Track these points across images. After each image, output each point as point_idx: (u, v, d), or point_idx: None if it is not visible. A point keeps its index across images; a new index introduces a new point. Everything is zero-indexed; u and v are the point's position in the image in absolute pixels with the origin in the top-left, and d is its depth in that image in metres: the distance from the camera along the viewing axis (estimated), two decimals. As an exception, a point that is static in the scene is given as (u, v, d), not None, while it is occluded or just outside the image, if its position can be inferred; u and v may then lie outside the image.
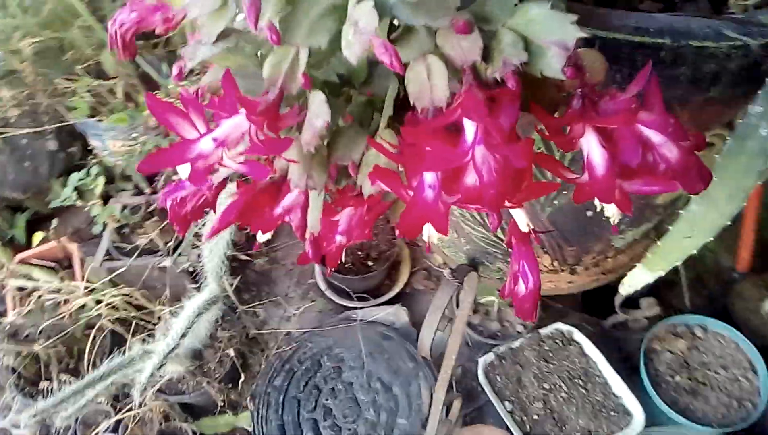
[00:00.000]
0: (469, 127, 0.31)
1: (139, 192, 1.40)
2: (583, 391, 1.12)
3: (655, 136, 0.32)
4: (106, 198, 1.36)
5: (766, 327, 1.16)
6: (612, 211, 0.36)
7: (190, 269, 1.23)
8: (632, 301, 1.22)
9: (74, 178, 1.27)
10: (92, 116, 1.39)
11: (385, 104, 0.36)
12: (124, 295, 1.20)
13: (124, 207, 1.33)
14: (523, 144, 0.30)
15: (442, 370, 0.88)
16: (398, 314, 1.29)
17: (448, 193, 0.32)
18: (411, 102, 0.34)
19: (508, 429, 1.08)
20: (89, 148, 1.50)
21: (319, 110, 0.32)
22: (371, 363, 1.22)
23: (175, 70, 0.39)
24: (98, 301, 1.15)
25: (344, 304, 1.32)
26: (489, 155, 0.30)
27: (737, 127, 0.46)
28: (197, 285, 1.26)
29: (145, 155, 1.34)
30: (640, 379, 1.12)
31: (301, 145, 0.33)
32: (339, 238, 0.41)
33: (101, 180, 1.27)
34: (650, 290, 1.20)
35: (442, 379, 0.90)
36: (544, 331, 1.19)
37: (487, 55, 0.32)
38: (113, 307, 1.15)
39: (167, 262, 1.24)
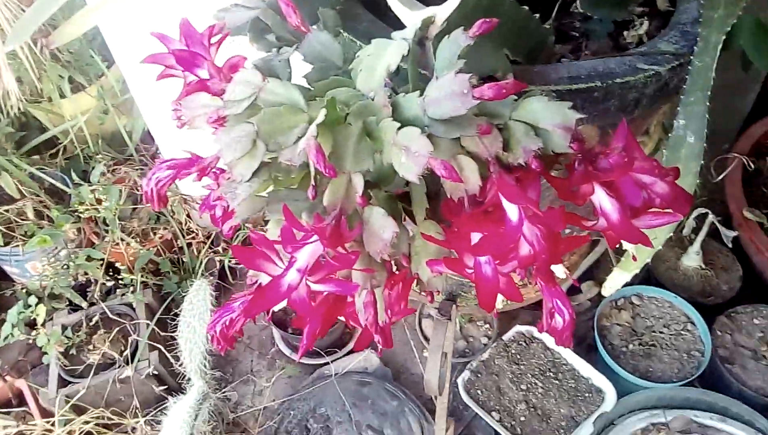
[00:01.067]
0: (511, 209, 0.37)
1: (75, 308, 1.35)
2: (556, 381, 1.21)
3: (646, 178, 0.39)
4: (32, 324, 1.30)
5: (689, 280, 1.32)
6: (630, 247, 0.44)
7: (155, 372, 1.21)
8: (573, 288, 1.34)
9: (13, 313, 1.21)
10: (6, 244, 1.33)
11: (417, 199, 0.41)
12: (92, 419, 1.16)
13: (65, 327, 1.29)
14: (557, 211, 0.37)
15: (439, 400, 0.93)
16: (369, 358, 1.33)
17: (502, 264, 0.38)
18: (448, 194, 0.39)
19: (501, 437, 1.16)
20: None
21: (383, 223, 0.37)
22: (357, 413, 1.25)
23: (219, 212, 0.42)
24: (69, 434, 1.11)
25: (313, 363, 1.34)
26: (533, 227, 0.37)
27: (669, 139, 0.56)
28: (166, 387, 1.23)
29: (77, 268, 1.30)
30: (600, 356, 1.23)
31: (366, 255, 0.38)
32: (386, 317, 0.45)
33: (42, 308, 1.22)
34: (586, 274, 1.32)
35: (440, 409, 0.95)
36: (506, 336, 1.27)
37: (504, 146, 0.38)
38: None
39: (128, 372, 1.21)
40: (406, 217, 0.45)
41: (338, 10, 0.58)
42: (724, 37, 0.57)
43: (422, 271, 0.40)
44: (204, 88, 0.44)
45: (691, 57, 0.57)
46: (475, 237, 0.38)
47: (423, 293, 0.45)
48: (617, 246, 0.41)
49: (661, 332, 1.24)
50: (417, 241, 0.41)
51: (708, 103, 0.56)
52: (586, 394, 1.20)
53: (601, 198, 0.39)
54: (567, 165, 0.41)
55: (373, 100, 0.45)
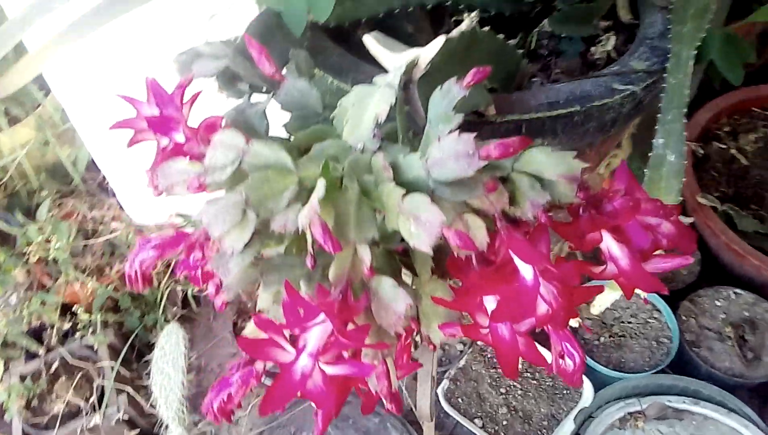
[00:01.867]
0: (525, 268, 0.36)
1: (32, 355, 1.28)
2: (534, 382, 1.22)
3: (652, 220, 0.39)
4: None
5: (651, 269, 1.34)
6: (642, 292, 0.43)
7: (125, 417, 1.16)
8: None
9: (-33, 372, 1.13)
10: (-51, 294, 1.25)
11: (421, 258, 0.40)
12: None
13: (23, 377, 1.22)
14: (571, 265, 0.36)
15: (426, 424, 0.93)
16: (345, 376, 1.31)
17: (517, 323, 0.37)
18: (455, 253, 0.38)
19: (485, 443, 1.16)
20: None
21: (394, 295, 0.35)
22: (339, 434, 1.23)
23: (211, 289, 0.40)
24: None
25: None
26: (548, 284, 0.36)
27: (650, 160, 0.56)
28: (138, 431, 1.19)
29: (30, 314, 1.23)
30: (574, 351, 1.24)
31: (377, 328, 0.36)
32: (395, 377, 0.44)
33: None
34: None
35: (428, 427, 0.94)
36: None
37: (510, 200, 0.37)
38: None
39: (96, 419, 1.15)
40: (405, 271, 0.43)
41: (306, 46, 0.56)
42: (695, 52, 0.57)
43: (434, 334, 0.39)
44: (181, 152, 0.41)
45: (665, 74, 0.57)
46: (487, 299, 0.37)
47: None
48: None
49: (629, 322, 1.27)
50: (424, 302, 0.40)
51: (685, 121, 0.56)
52: (564, 391, 1.21)
53: (609, 244, 0.39)
54: (569, 210, 0.40)
55: (362, 152, 0.43)
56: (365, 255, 0.35)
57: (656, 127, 0.56)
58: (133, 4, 0.62)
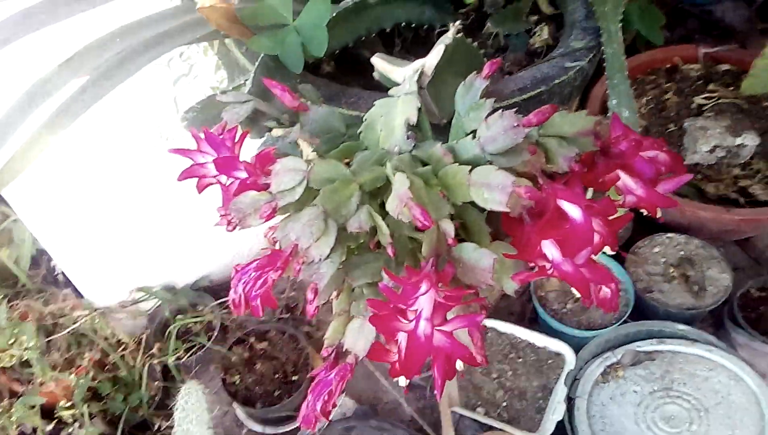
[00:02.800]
0: (573, 209, 0.43)
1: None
2: (520, 360, 1.31)
3: (650, 153, 0.48)
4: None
5: (592, 234, 1.47)
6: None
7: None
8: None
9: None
10: None
11: (478, 227, 0.46)
12: None
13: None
14: (606, 200, 0.44)
15: (444, 415, 0.98)
16: (343, 404, 1.34)
17: (574, 257, 0.44)
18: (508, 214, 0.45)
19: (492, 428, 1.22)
20: None
21: (478, 255, 0.42)
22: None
23: (310, 295, 0.44)
24: None
25: (288, 429, 1.32)
26: (595, 218, 0.43)
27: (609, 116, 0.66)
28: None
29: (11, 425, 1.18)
30: (546, 323, 1.34)
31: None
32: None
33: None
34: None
35: (447, 417, 1.00)
36: (462, 336, 1.35)
37: (546, 159, 0.44)
38: None
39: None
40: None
41: (299, 81, 0.62)
42: (621, 25, 0.68)
43: (509, 284, 0.45)
44: (252, 186, 0.46)
45: (602, 47, 0.68)
46: (546, 245, 0.44)
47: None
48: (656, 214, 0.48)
49: (587, 285, 1.38)
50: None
51: (629, 81, 0.66)
52: (549, 361, 1.30)
53: (624, 180, 0.47)
54: (583, 161, 0.48)
55: (400, 153, 0.49)
56: (448, 228, 0.41)
57: (607, 91, 0.66)
58: (118, 79, 0.65)
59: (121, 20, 0.64)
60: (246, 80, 0.64)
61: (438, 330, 0.40)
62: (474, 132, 0.46)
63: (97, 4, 0.54)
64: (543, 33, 0.74)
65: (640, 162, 0.47)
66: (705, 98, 1.43)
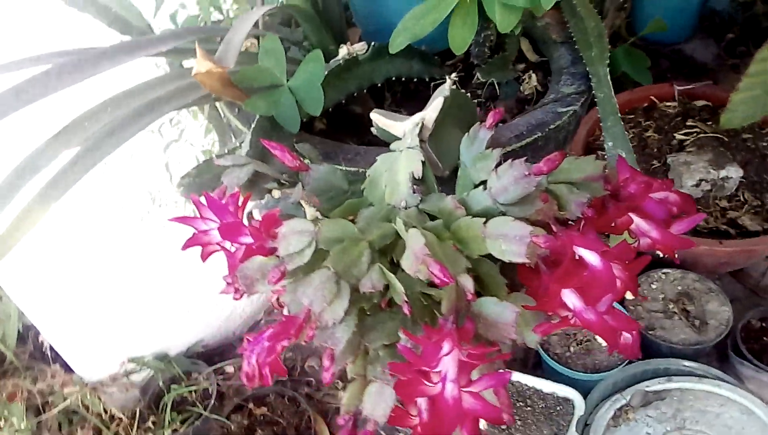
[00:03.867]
0: (590, 256, 0.42)
1: None
2: (528, 408, 1.28)
3: (660, 195, 0.47)
4: None
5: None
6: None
7: None
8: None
9: None
10: None
11: (494, 279, 0.45)
12: None
13: None
14: (622, 244, 0.43)
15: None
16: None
17: (599, 302, 0.43)
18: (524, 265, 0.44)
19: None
20: None
21: (499, 309, 0.40)
22: None
23: (327, 362, 0.42)
24: None
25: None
26: (614, 264, 0.42)
27: (607, 159, 0.66)
28: None
29: None
30: (550, 368, 1.32)
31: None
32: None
33: None
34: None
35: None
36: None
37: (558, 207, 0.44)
38: None
39: None
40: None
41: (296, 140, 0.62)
42: (608, 69, 0.69)
43: (531, 337, 0.44)
44: (259, 251, 0.44)
45: (592, 91, 0.68)
46: (565, 293, 0.43)
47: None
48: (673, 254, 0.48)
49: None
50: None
51: (622, 123, 0.67)
52: (558, 408, 1.27)
53: (638, 223, 0.46)
54: (593, 205, 0.47)
55: (406, 208, 0.48)
56: (467, 283, 0.40)
57: (603, 134, 0.66)
58: (109, 149, 0.64)
59: (112, 89, 0.63)
60: (241, 142, 0.63)
61: (466, 391, 0.38)
62: (483, 183, 0.45)
63: (88, 76, 0.53)
64: (531, 80, 0.75)
65: (651, 204, 0.47)
66: (685, 134, 1.45)
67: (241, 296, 0.45)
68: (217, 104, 0.75)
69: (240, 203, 0.47)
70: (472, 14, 0.64)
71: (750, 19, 1.75)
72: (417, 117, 0.51)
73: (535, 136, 0.64)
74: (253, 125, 0.57)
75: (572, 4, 0.73)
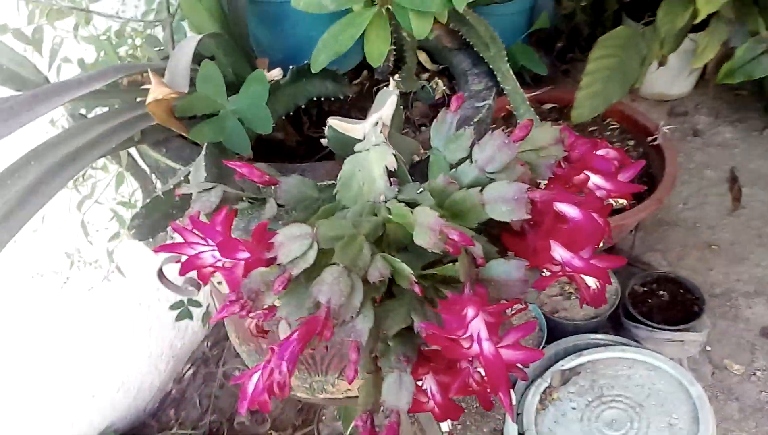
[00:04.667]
0: (568, 209, 0.46)
1: None
2: (465, 410, 1.31)
3: (602, 151, 0.53)
4: None
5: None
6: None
7: None
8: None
9: None
10: None
11: (487, 252, 0.48)
12: None
13: None
14: (591, 196, 0.48)
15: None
16: None
17: (580, 250, 0.47)
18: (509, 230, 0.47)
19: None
20: None
21: (508, 268, 0.43)
22: None
23: (353, 354, 0.42)
24: None
25: None
26: (588, 212, 0.47)
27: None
28: None
29: None
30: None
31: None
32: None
33: None
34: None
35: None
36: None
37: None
38: None
39: None
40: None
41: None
42: (509, 64, 0.76)
43: (531, 296, 0.47)
44: (258, 264, 0.43)
45: (500, 85, 0.75)
46: (554, 246, 0.47)
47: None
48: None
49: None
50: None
51: (532, 108, 0.73)
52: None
53: (593, 178, 0.52)
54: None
55: (386, 201, 0.50)
56: (476, 249, 0.42)
57: (517, 121, 0.73)
58: (34, 209, 0.59)
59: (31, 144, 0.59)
60: (177, 182, 0.61)
61: (501, 346, 0.40)
62: (461, 161, 0.48)
63: (25, 123, 0.50)
64: (439, 86, 0.80)
65: (598, 160, 0.53)
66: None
67: (248, 313, 0.44)
68: (134, 150, 0.72)
69: (224, 220, 0.46)
70: (385, 27, 0.68)
71: (573, 29, 1.98)
72: (374, 117, 0.53)
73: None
74: (203, 153, 0.56)
75: (460, 15, 0.79)
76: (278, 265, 0.44)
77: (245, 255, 0.44)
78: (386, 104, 0.53)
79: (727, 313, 1.56)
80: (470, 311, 0.41)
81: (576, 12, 1.91)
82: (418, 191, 0.50)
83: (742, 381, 1.44)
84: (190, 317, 1.38)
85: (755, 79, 1.73)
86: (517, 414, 1.34)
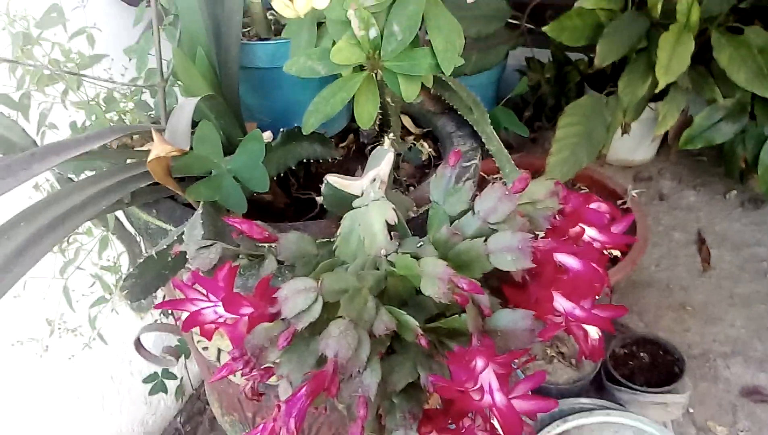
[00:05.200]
0: (568, 260, 0.47)
1: None
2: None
3: (594, 205, 0.55)
4: None
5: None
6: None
7: None
8: None
9: None
10: None
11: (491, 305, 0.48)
12: None
13: None
14: (587, 245, 0.49)
15: None
16: None
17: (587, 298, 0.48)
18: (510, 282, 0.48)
19: None
20: None
21: (514, 317, 0.43)
22: None
23: (362, 410, 0.41)
24: None
25: None
26: (588, 262, 0.48)
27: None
28: None
29: None
30: None
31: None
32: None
33: None
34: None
35: None
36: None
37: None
38: None
39: None
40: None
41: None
42: (491, 127, 0.78)
43: (535, 348, 0.47)
44: (261, 319, 0.43)
45: (484, 146, 0.77)
46: (556, 297, 0.47)
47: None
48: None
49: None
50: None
51: (517, 169, 0.75)
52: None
53: (588, 231, 0.53)
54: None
55: (387, 256, 0.50)
56: (483, 299, 0.42)
57: (504, 180, 0.74)
58: (20, 271, 0.58)
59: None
60: (169, 244, 0.60)
61: (513, 398, 0.40)
62: (461, 214, 0.48)
63: (22, 181, 0.49)
64: (425, 147, 0.82)
65: (591, 213, 0.54)
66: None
67: (252, 370, 0.43)
68: (121, 214, 0.72)
69: (226, 276, 0.45)
70: (374, 90, 0.70)
71: (539, 99, 2.06)
72: (372, 173, 0.54)
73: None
74: (200, 211, 0.55)
75: (443, 81, 0.82)
76: (282, 319, 0.43)
77: (249, 310, 0.44)
78: (383, 161, 0.54)
79: (706, 374, 1.56)
80: (479, 362, 0.41)
81: (541, 83, 2.00)
82: (418, 245, 0.50)
83: (727, 442, 1.43)
84: (165, 390, 1.34)
85: (715, 144, 1.82)
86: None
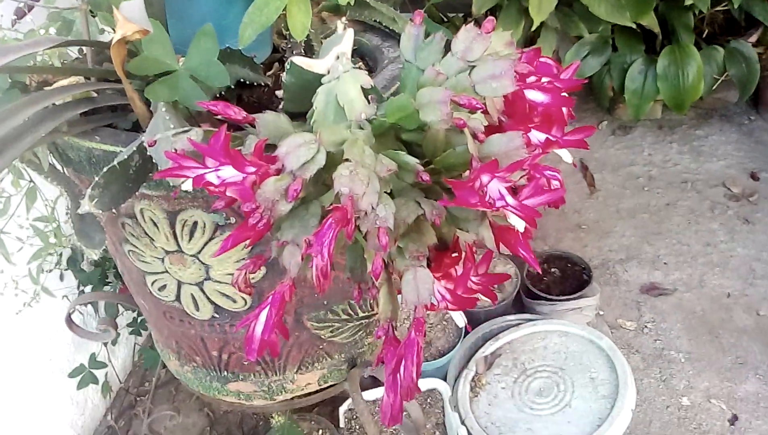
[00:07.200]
0: (537, 95, 0.51)
1: None
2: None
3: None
4: None
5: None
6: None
7: None
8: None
9: None
10: None
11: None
12: None
13: None
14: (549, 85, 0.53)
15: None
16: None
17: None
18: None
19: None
20: None
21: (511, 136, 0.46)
22: None
23: (383, 238, 0.42)
24: None
25: None
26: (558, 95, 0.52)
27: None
28: None
29: None
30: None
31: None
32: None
33: None
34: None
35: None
36: None
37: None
38: None
39: None
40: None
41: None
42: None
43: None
44: (270, 174, 0.43)
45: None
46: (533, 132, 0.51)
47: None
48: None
49: (429, 324, 1.47)
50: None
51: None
52: (428, 400, 1.34)
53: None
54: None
55: (370, 121, 0.52)
56: (477, 125, 0.45)
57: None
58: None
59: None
60: (130, 151, 0.58)
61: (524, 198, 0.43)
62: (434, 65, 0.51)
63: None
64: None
65: (543, 65, 0.58)
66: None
67: (268, 223, 0.43)
68: (59, 141, 0.67)
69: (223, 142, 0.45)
70: (306, 1, 0.71)
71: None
72: (335, 51, 0.55)
73: (397, 84, 0.73)
74: (162, 109, 0.54)
75: (362, 1, 0.85)
76: (289, 172, 0.44)
77: (253, 169, 0.44)
78: (344, 39, 0.56)
79: (609, 280, 1.71)
80: (485, 177, 0.43)
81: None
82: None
83: (637, 335, 1.58)
84: (96, 381, 1.26)
85: (585, 77, 1.98)
86: (453, 407, 1.35)
